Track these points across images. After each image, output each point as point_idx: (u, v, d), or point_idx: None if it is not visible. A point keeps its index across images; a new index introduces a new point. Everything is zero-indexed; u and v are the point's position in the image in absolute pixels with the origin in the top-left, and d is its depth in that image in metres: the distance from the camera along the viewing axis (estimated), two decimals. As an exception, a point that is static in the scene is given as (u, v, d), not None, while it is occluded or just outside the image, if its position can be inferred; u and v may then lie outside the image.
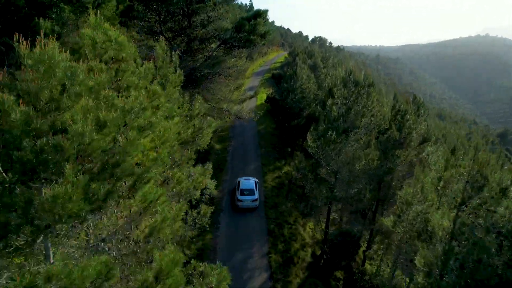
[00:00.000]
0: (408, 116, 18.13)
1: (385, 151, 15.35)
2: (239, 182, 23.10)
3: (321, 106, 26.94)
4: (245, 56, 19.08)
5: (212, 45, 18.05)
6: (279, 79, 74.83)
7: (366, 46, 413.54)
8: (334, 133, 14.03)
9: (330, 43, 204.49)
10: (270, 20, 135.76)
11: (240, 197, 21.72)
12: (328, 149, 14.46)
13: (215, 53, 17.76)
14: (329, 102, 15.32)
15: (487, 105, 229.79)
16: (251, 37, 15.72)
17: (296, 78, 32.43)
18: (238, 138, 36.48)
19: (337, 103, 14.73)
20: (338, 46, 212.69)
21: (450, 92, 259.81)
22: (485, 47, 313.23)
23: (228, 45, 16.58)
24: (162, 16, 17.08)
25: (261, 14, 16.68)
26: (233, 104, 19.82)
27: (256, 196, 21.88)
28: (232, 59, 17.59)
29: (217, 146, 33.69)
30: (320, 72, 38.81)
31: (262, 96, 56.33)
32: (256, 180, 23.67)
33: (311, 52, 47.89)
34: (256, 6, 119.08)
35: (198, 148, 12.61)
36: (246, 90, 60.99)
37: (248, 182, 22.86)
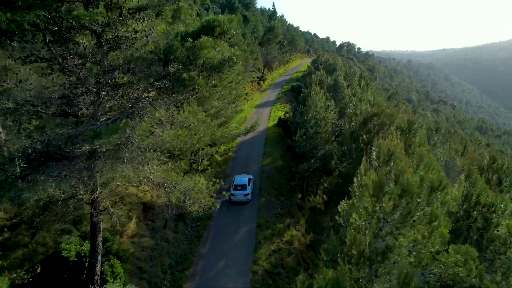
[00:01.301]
0: (497, 219, 9.38)
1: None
2: (234, 179, 24.97)
3: (339, 155, 18.25)
4: (195, 97, 10.03)
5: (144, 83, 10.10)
6: (299, 92, 66.18)
7: (397, 51, 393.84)
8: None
9: (359, 48, 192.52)
10: (295, 26, 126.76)
11: (233, 192, 23.42)
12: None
13: (146, 95, 9.83)
14: (342, 215, 6.89)
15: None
16: (184, 73, 7.69)
17: (308, 107, 23.98)
18: (236, 174, 28.43)
19: (360, 228, 6.34)
20: (367, 51, 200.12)
21: (489, 100, 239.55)
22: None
23: (152, 88, 8.62)
24: (48, 33, 9.34)
25: (214, 28, 8.63)
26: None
27: (248, 191, 23.74)
28: (158, 112, 9.26)
29: (205, 192, 25.73)
30: (344, 93, 30.05)
31: (277, 115, 48.01)
32: (251, 177, 25.59)
33: (332, 65, 39.04)
34: (278, 11, 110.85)
35: None
36: (258, 107, 52.91)
37: (242, 178, 24.65)
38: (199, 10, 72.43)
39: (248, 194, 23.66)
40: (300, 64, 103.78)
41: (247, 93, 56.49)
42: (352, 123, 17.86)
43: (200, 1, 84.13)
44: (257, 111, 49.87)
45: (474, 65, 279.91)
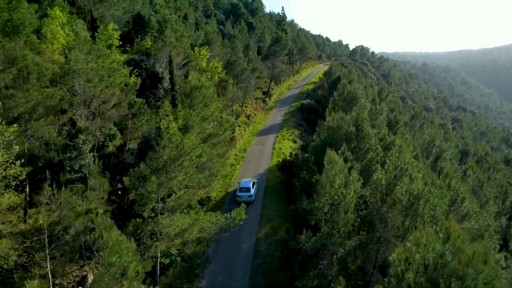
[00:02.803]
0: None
1: None
2: (240, 182, 27.46)
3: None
4: None
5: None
6: (310, 112, 57.06)
7: (410, 52, 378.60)
8: None
9: (373, 52, 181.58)
10: (306, 29, 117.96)
11: (238, 194, 25.90)
12: None
13: None
14: None
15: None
16: None
17: (321, 184, 15.57)
18: (219, 261, 20.26)
19: None
20: (381, 55, 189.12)
21: (510, 104, 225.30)
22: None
23: None
24: None
25: None
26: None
27: (251, 193, 26.00)
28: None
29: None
30: (369, 143, 21.43)
31: (282, 147, 39.37)
32: (255, 181, 28.02)
33: (351, 93, 30.36)
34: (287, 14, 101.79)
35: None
36: (260, 135, 43.96)
37: (246, 182, 26.89)
38: (200, 17, 64.43)
39: (251, 195, 25.98)
40: (312, 73, 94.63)
41: (249, 116, 48.33)
42: (400, 268, 9.46)
43: (202, 7, 76.15)
44: (259, 140, 41.48)
45: (493, 67, 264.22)
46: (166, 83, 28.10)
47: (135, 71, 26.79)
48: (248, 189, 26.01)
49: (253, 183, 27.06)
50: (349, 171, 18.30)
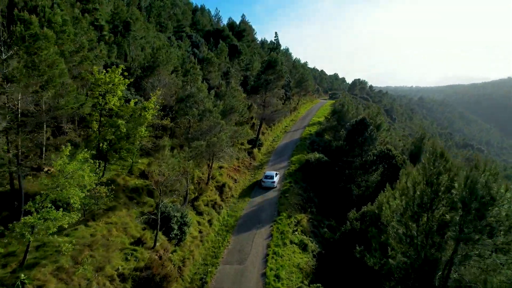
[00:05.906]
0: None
1: None
2: (265, 172, 32.04)
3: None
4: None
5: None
6: (321, 173, 35.19)
7: (402, 87, 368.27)
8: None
9: (371, 86, 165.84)
10: (303, 61, 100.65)
11: (264, 179, 30.36)
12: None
13: None
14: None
15: None
16: None
17: None
18: None
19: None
20: (380, 90, 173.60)
21: (510, 140, 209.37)
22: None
23: None
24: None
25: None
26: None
27: (274, 180, 30.17)
28: None
29: None
30: None
31: (282, 268, 18.93)
32: (277, 173, 31.78)
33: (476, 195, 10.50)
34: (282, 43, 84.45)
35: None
36: (238, 232, 22.75)
37: (271, 172, 31.24)
38: (170, 40, 45.71)
39: (274, 182, 30.06)
40: (311, 109, 75.54)
41: (223, 186, 28.22)
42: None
43: (174, 28, 57.83)
44: (236, 248, 20.68)
45: (489, 102, 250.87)
46: None
47: None
48: (272, 177, 30.27)
49: (276, 174, 31.14)
50: None
